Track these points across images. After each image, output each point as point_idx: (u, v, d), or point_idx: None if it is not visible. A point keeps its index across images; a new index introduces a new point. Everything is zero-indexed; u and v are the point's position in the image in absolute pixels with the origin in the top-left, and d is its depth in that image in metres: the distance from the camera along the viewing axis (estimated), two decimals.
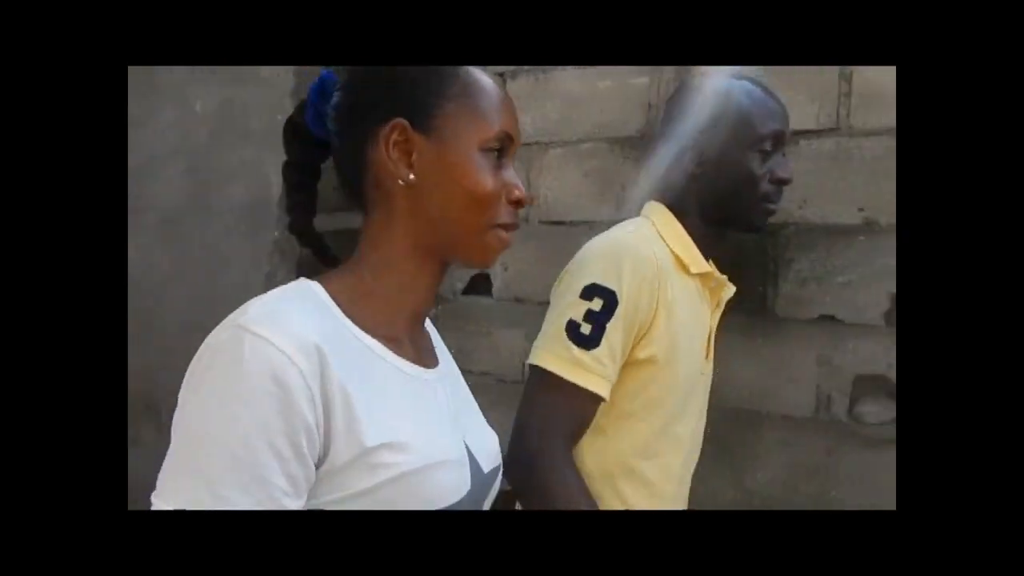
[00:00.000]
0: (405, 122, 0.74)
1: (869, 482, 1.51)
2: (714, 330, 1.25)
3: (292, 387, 0.63)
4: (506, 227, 0.77)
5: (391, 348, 0.74)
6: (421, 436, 0.71)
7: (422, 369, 0.77)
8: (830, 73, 1.58)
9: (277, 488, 0.62)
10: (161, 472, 0.63)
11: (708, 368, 1.24)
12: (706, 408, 1.29)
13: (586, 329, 1.07)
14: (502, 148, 0.76)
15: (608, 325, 1.07)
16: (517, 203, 0.77)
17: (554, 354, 1.09)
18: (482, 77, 0.77)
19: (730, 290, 1.26)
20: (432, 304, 0.81)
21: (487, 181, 0.74)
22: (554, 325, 1.11)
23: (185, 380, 0.66)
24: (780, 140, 1.17)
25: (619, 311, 1.07)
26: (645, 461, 1.15)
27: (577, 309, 1.09)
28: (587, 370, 1.07)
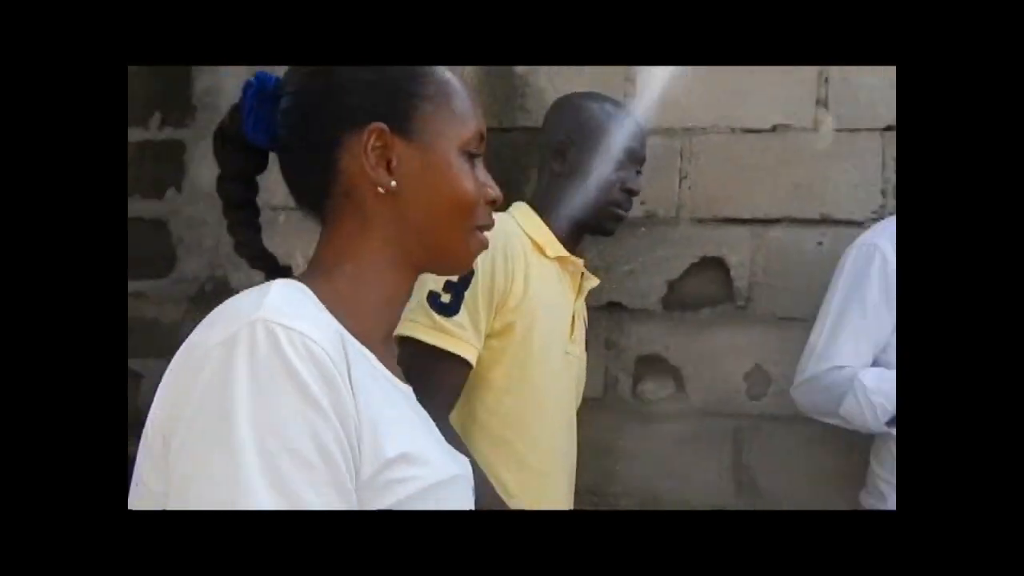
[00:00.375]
0: (384, 126, 0.69)
1: (649, 455, 1.66)
2: (578, 315, 1.35)
3: (339, 386, 0.57)
4: (484, 228, 0.74)
5: (379, 359, 0.69)
6: (429, 450, 0.67)
7: (405, 384, 0.73)
8: (615, 75, 1.69)
9: (353, 494, 0.57)
10: (199, 491, 0.54)
11: (575, 350, 1.34)
12: (581, 393, 1.40)
13: (446, 298, 1.16)
14: (478, 150, 0.73)
15: (466, 294, 1.16)
16: (493, 202, 0.74)
17: (418, 323, 1.16)
18: (453, 76, 0.73)
19: (592, 281, 1.40)
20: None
21: (470, 184, 0.71)
22: (415, 299, 1.16)
23: (187, 387, 0.56)
24: (633, 155, 1.35)
25: (475, 280, 1.16)
26: (514, 435, 1.22)
27: (436, 282, 1.17)
28: (450, 335, 1.15)
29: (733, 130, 1.69)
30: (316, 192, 0.72)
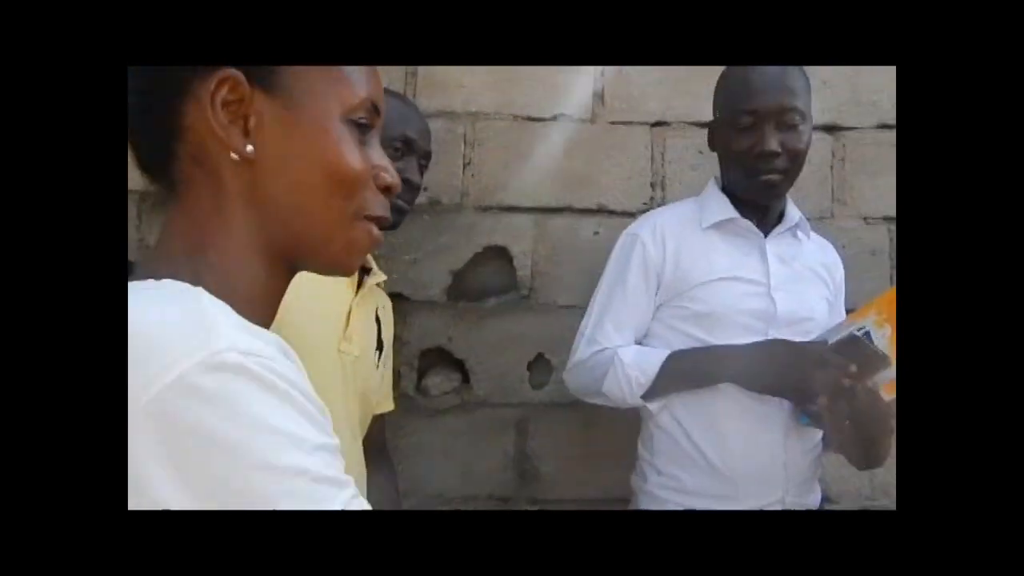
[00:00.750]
0: (238, 74, 0.55)
1: (434, 451, 1.62)
2: (358, 312, 1.25)
3: (314, 400, 0.55)
4: (377, 220, 0.61)
5: None
6: None
7: None
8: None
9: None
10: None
11: (352, 348, 1.24)
12: (380, 391, 1.31)
13: None
14: (369, 122, 0.60)
15: None
16: (387, 190, 0.61)
17: None
18: None
19: (378, 276, 1.31)
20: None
21: (353, 158, 0.58)
22: None
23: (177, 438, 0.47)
24: (411, 147, 1.34)
25: None
26: None
27: None
28: None
29: (516, 117, 1.68)
30: (160, 154, 0.58)
